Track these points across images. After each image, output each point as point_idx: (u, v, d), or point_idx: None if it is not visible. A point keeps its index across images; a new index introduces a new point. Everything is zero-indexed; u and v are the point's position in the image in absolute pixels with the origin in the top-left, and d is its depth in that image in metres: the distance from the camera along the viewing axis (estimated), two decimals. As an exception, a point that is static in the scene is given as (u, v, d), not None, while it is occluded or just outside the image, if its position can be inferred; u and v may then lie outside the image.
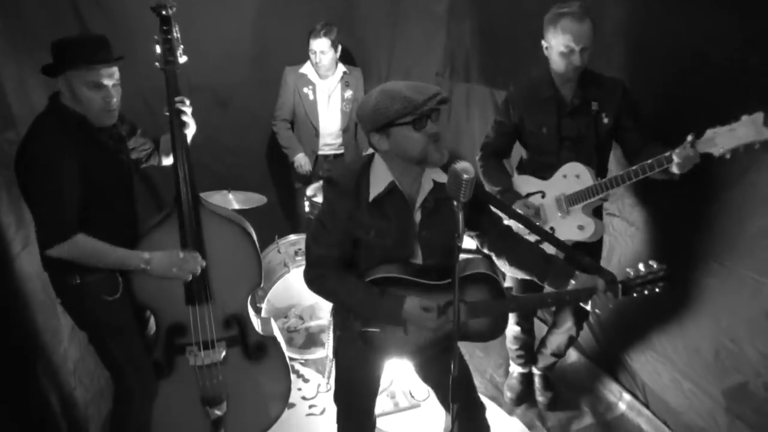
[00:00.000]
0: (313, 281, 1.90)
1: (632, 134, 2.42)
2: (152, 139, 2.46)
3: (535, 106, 2.50)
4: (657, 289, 1.83)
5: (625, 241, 2.83)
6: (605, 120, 2.41)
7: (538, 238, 2.06)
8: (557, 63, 2.38)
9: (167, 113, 2.25)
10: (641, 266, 1.84)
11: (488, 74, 3.74)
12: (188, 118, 2.28)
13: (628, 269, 1.85)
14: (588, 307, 1.84)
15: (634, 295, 1.84)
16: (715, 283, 2.35)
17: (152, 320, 2.47)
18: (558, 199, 2.50)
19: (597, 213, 2.58)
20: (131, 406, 2.30)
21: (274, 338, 2.59)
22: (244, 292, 2.48)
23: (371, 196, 1.80)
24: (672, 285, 1.81)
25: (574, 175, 2.44)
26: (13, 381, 2.21)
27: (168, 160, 2.38)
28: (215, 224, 2.35)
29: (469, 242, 2.05)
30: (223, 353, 2.44)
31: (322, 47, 3.65)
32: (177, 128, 2.26)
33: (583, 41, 2.29)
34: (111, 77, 2.06)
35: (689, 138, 2.02)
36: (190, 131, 2.33)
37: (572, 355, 3.32)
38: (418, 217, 1.86)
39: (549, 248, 2.08)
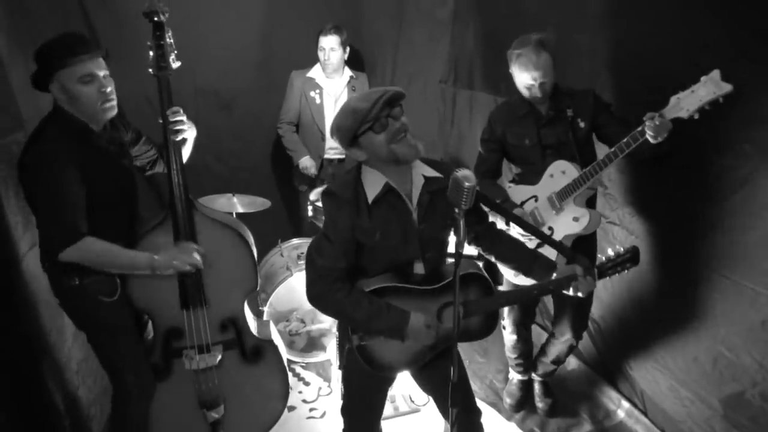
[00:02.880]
0: (317, 297, 1.91)
1: (612, 128, 2.49)
2: (157, 146, 2.46)
3: (515, 121, 2.62)
4: (626, 270, 2.00)
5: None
6: (581, 125, 2.52)
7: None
8: (524, 92, 2.54)
9: (161, 121, 2.26)
10: (610, 251, 2.01)
11: (491, 81, 3.76)
12: (184, 126, 2.27)
13: (599, 255, 2.03)
14: (570, 293, 1.95)
15: (608, 277, 2.01)
16: (713, 293, 2.37)
17: (150, 324, 2.48)
18: (550, 198, 2.56)
19: (591, 204, 2.62)
20: (129, 407, 2.32)
21: (271, 341, 2.59)
22: (240, 295, 2.49)
23: (370, 199, 1.85)
24: (636, 263, 1.99)
25: (560, 172, 2.52)
26: (17, 380, 2.23)
27: None
28: (209, 228, 2.35)
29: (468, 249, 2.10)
30: (219, 357, 2.45)
31: (331, 44, 3.69)
32: (170, 136, 2.26)
33: (541, 76, 2.43)
34: (100, 68, 2.05)
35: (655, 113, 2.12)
36: (191, 135, 2.34)
37: (572, 362, 3.33)
38: (415, 212, 1.91)
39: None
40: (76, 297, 2.17)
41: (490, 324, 2.03)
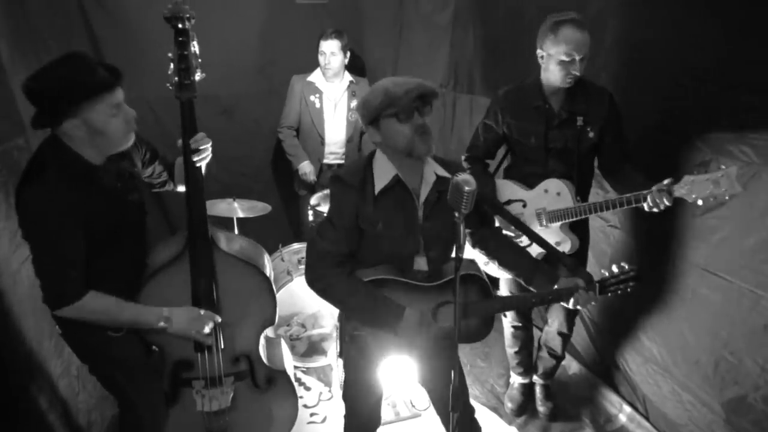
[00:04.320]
0: (315, 280, 1.91)
1: (610, 150, 2.47)
2: (168, 166, 2.27)
3: (524, 114, 2.51)
4: (629, 289, 1.96)
5: (625, 253, 2.85)
6: (590, 134, 2.44)
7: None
8: (554, 72, 2.35)
9: (180, 146, 2.07)
10: (614, 267, 1.96)
11: (491, 86, 3.77)
12: (205, 157, 2.09)
13: (603, 270, 1.98)
14: (570, 305, 1.94)
15: (609, 294, 1.97)
16: (714, 296, 2.36)
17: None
18: (538, 213, 2.54)
19: (575, 226, 2.60)
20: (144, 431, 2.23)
21: (284, 371, 2.50)
22: (257, 332, 2.37)
23: (377, 189, 1.86)
24: (642, 284, 1.94)
25: (555, 192, 2.48)
26: (16, 385, 2.23)
27: (182, 187, 2.21)
28: (230, 268, 2.21)
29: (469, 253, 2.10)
30: (231, 395, 2.34)
31: (332, 48, 3.70)
32: (192, 169, 2.08)
33: (583, 50, 2.29)
34: (121, 94, 1.86)
35: (666, 182, 2.10)
36: (206, 162, 2.16)
37: (573, 366, 3.33)
38: (421, 209, 1.92)
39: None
40: (81, 330, 1.99)
41: (486, 327, 2.03)
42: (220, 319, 2.17)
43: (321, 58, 3.75)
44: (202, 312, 2.12)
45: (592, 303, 1.96)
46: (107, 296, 1.92)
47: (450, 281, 1.94)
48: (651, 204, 2.13)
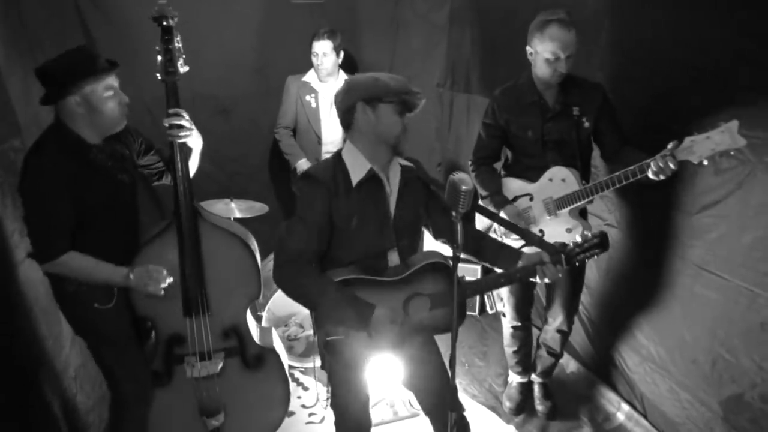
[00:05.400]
0: (284, 279, 1.92)
1: (608, 138, 2.51)
2: (165, 159, 2.43)
3: (520, 110, 2.57)
4: (595, 256, 2.00)
5: (622, 252, 2.85)
6: (586, 124, 2.49)
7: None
8: (542, 69, 2.43)
9: (165, 125, 2.24)
10: (578, 237, 2.01)
11: (488, 85, 3.77)
12: (184, 132, 2.24)
13: (566, 242, 2.03)
14: (538, 280, 1.97)
15: (576, 263, 2.01)
16: (712, 295, 2.37)
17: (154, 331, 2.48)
18: (546, 203, 2.55)
19: (582, 212, 2.64)
20: (125, 414, 2.33)
21: (273, 349, 2.59)
22: (243, 304, 2.49)
23: (354, 182, 1.89)
24: (605, 249, 1.99)
25: (560, 179, 2.50)
26: (14, 387, 2.23)
27: None
28: (214, 237, 2.36)
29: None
30: (220, 365, 2.45)
31: (324, 49, 3.69)
32: (174, 141, 2.24)
33: (569, 49, 2.35)
34: (116, 81, 2.11)
35: (670, 146, 2.09)
36: (196, 142, 2.33)
37: (571, 364, 3.33)
38: (393, 199, 1.96)
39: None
40: (73, 303, 2.19)
41: (459, 315, 2.02)
42: (169, 278, 2.21)
43: (314, 59, 3.75)
44: (150, 266, 2.20)
45: (560, 275, 1.99)
46: (86, 256, 2.10)
47: (416, 271, 1.96)
48: (656, 170, 2.11)
